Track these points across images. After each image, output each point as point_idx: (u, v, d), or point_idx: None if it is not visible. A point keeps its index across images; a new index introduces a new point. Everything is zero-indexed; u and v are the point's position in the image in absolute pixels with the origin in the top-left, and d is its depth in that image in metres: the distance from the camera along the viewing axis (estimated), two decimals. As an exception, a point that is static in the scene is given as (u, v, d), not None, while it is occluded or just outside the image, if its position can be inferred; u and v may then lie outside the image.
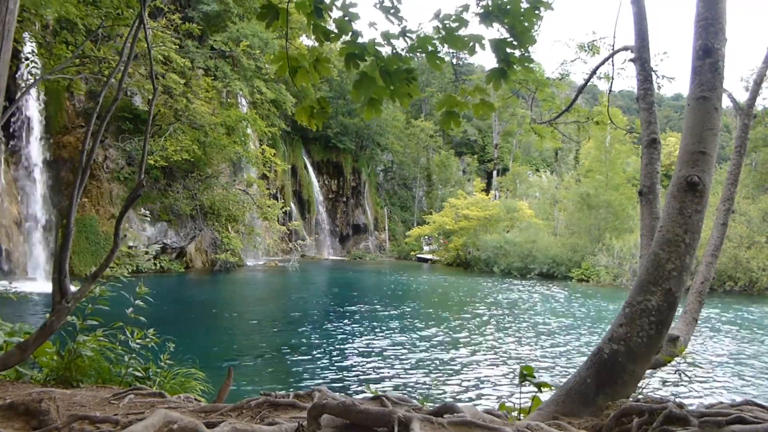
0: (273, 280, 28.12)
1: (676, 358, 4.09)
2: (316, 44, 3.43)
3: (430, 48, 3.11)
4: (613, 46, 6.49)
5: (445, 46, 3.12)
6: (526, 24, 2.97)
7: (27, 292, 17.13)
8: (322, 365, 11.17)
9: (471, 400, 9.15)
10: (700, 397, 9.73)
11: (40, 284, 19.82)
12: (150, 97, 8.85)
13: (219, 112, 28.60)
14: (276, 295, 23.05)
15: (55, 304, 3.93)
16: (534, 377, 3.60)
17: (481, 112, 3.24)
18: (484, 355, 12.62)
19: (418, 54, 3.23)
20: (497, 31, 3.06)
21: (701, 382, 10.70)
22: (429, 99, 55.04)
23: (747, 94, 7.19)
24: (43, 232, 22.40)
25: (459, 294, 24.62)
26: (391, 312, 18.41)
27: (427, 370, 11.04)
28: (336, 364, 11.33)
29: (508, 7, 2.92)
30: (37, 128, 22.98)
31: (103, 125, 4.83)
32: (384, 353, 12.39)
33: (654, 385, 8.15)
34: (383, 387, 9.51)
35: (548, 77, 8.31)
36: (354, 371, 10.83)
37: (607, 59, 6.19)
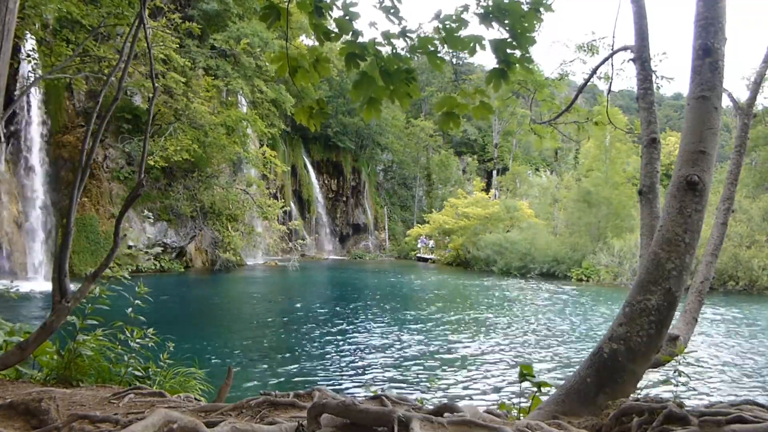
0: (273, 279, 28.13)
1: (675, 358, 4.09)
2: (316, 44, 3.43)
3: (430, 48, 3.11)
4: (612, 45, 6.47)
5: (445, 46, 3.12)
6: (527, 25, 2.97)
7: (27, 292, 17.17)
8: (322, 365, 11.17)
9: (471, 399, 9.15)
10: (700, 396, 9.73)
11: (40, 284, 19.83)
12: (150, 97, 8.86)
13: (219, 111, 28.60)
14: (276, 294, 23.05)
15: (55, 304, 3.93)
16: (533, 376, 3.61)
17: (481, 114, 3.24)
18: (484, 354, 12.62)
19: (418, 54, 3.22)
20: (497, 32, 3.07)
21: (701, 382, 10.70)
22: (429, 99, 55.01)
23: (748, 93, 7.20)
24: (43, 231, 22.40)
25: (458, 293, 24.63)
26: (391, 311, 18.41)
27: (426, 370, 11.05)
28: (336, 364, 11.33)
29: (508, 8, 2.91)
30: (37, 127, 22.97)
31: (103, 125, 4.83)
32: (384, 353, 12.39)
33: (654, 384, 8.15)
34: (383, 387, 9.52)
35: (547, 78, 8.30)
36: (354, 371, 10.84)
37: (606, 59, 6.18)
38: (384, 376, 10.45)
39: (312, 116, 3.44)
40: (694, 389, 10.10)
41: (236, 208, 29.40)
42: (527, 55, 3.06)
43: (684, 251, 3.13)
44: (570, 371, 7.18)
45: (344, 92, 40.69)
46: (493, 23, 2.96)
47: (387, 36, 3.09)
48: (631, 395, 3.09)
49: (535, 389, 3.60)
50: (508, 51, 3.04)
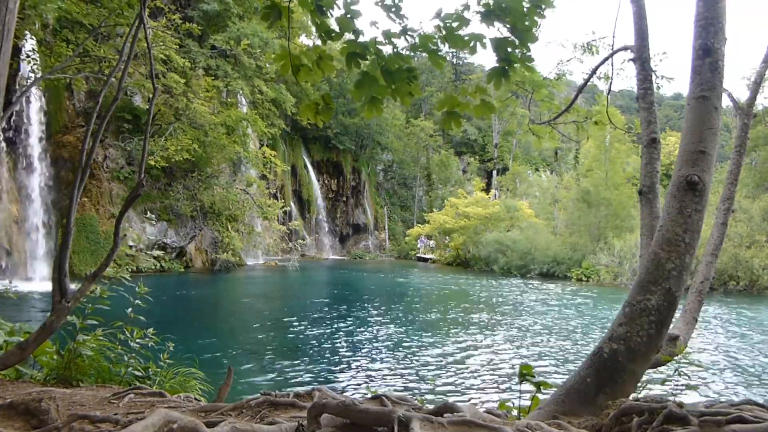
0: (273, 279, 28.13)
1: (675, 358, 4.09)
2: (317, 44, 3.43)
3: (431, 47, 3.11)
4: (612, 45, 6.47)
5: (446, 45, 3.12)
6: (528, 23, 2.96)
7: (27, 292, 17.17)
8: (322, 365, 11.17)
9: (471, 399, 9.15)
10: (700, 396, 9.72)
11: (40, 284, 19.83)
12: (150, 97, 8.85)
13: (219, 111, 28.59)
14: (276, 294, 23.05)
15: (55, 304, 3.93)
16: (533, 376, 3.60)
17: (482, 112, 3.24)
18: (484, 354, 12.62)
19: (418, 53, 3.22)
20: (497, 31, 3.06)
21: (701, 381, 10.70)
22: (429, 99, 55.02)
23: (748, 93, 7.20)
24: (43, 231, 22.39)
25: (458, 293, 24.62)
26: (391, 311, 18.41)
27: (426, 370, 11.04)
28: (336, 364, 11.33)
29: (510, 5, 2.91)
30: (37, 127, 22.96)
31: (103, 125, 4.83)
32: (384, 353, 12.40)
33: (654, 384, 8.14)
34: (383, 387, 9.52)
35: (545, 78, 8.28)
36: (354, 371, 10.83)
37: (606, 59, 6.17)
38: (384, 376, 10.45)
39: (319, 112, 3.44)
40: (694, 389, 10.08)
41: (236, 208, 29.40)
42: (528, 53, 3.06)
43: (684, 251, 3.13)
44: (570, 371, 7.18)
45: (344, 92, 40.64)
46: (495, 21, 2.96)
47: (388, 35, 3.08)
48: (631, 395, 3.09)
49: (535, 389, 3.59)
50: (509, 49, 3.03)
